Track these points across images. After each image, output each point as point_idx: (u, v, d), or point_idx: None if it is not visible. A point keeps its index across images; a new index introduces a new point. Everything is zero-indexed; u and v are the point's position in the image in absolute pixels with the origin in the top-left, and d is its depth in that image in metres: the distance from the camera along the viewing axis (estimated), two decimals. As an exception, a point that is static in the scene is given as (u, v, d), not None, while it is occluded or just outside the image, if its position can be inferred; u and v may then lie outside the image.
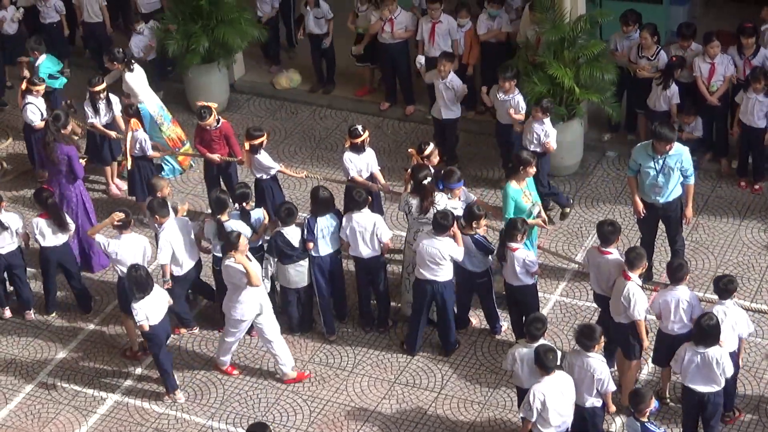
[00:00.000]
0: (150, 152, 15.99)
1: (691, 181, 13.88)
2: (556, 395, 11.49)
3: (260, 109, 18.89)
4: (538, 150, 15.29)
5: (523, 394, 11.87)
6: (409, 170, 14.11)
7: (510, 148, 15.80)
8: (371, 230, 13.70)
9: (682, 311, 12.27)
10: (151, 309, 12.98)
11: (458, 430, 12.97)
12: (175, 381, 13.51)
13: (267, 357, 13.97)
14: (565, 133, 16.26)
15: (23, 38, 18.81)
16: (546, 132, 15.20)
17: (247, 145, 14.98)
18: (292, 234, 13.67)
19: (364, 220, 13.71)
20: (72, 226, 14.58)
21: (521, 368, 12.00)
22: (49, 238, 14.42)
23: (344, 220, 13.79)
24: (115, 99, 16.58)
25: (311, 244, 13.72)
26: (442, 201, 13.71)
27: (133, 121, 15.87)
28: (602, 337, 11.80)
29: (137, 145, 15.82)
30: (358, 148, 14.80)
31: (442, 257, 13.19)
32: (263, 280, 13.45)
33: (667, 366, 12.51)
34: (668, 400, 12.85)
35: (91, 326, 14.72)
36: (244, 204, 14.02)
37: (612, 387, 11.83)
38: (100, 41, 19.13)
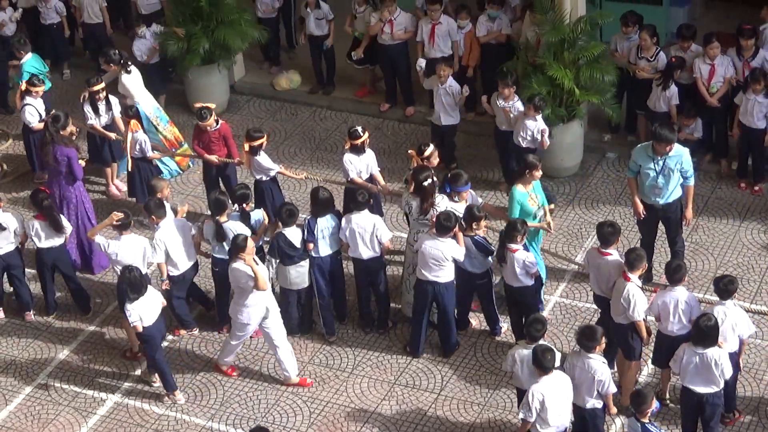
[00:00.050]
0: (150, 153, 15.99)
1: (691, 182, 13.89)
2: (554, 395, 11.49)
3: (260, 110, 18.90)
4: (531, 147, 15.34)
5: (522, 395, 11.87)
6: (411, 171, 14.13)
7: (509, 154, 15.86)
8: (371, 231, 13.70)
9: (681, 312, 12.27)
10: (145, 310, 12.99)
11: (458, 431, 12.96)
12: (174, 381, 13.51)
13: (267, 358, 13.97)
14: (565, 135, 16.29)
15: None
16: (539, 129, 15.22)
17: (246, 147, 14.98)
18: (294, 235, 13.67)
19: (363, 221, 13.71)
20: (68, 229, 14.56)
21: (521, 369, 12.00)
22: (45, 239, 14.42)
23: (343, 221, 13.79)
24: (114, 100, 16.58)
25: (311, 245, 13.73)
26: (442, 203, 13.71)
27: (133, 122, 15.87)
28: (603, 339, 11.80)
29: (137, 147, 15.83)
30: (358, 150, 14.80)
31: (445, 258, 13.20)
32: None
33: (666, 367, 12.51)
34: (668, 401, 12.85)
35: (91, 327, 14.72)
36: (244, 205, 14.03)
37: (613, 388, 11.83)
38: (100, 42, 19.11)
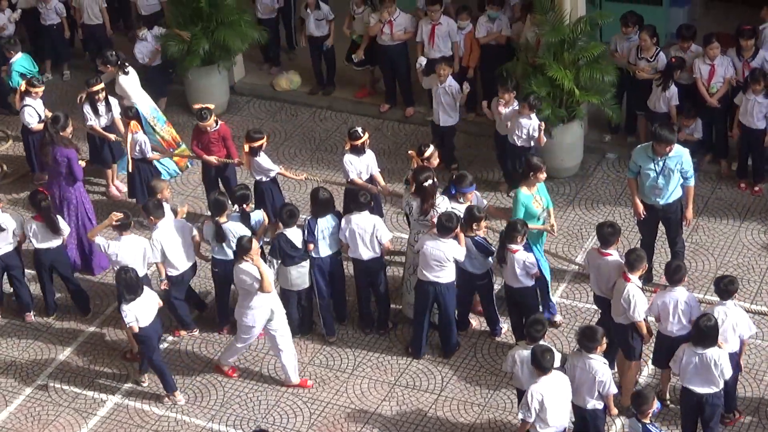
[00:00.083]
0: (150, 154, 15.99)
1: (691, 182, 13.89)
2: (553, 396, 11.49)
3: (260, 111, 18.90)
4: (526, 145, 15.35)
5: (523, 395, 11.86)
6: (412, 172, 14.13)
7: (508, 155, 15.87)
8: (371, 232, 13.70)
9: (681, 312, 12.27)
10: (141, 311, 12.99)
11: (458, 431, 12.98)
12: (174, 382, 13.51)
13: (267, 359, 13.97)
14: (565, 135, 16.29)
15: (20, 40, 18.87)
16: (533, 127, 15.23)
17: (246, 148, 14.97)
18: (295, 235, 13.67)
19: (363, 222, 13.71)
20: (66, 231, 14.54)
21: (521, 370, 11.99)
22: (42, 240, 14.41)
23: (343, 222, 13.78)
24: (114, 101, 16.58)
25: (312, 246, 13.73)
26: (443, 204, 13.70)
27: (133, 123, 15.86)
28: (604, 339, 11.80)
29: (137, 148, 15.82)
30: (358, 150, 14.80)
31: (446, 259, 13.20)
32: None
33: (666, 367, 12.51)
34: (668, 402, 12.85)
35: (91, 328, 14.72)
36: (244, 206, 14.03)
37: (613, 389, 11.83)
38: (100, 43, 19.12)
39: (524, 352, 11.93)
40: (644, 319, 12.44)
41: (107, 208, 16.00)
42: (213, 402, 13.54)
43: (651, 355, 12.96)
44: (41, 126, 16.14)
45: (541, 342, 11.85)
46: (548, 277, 14.02)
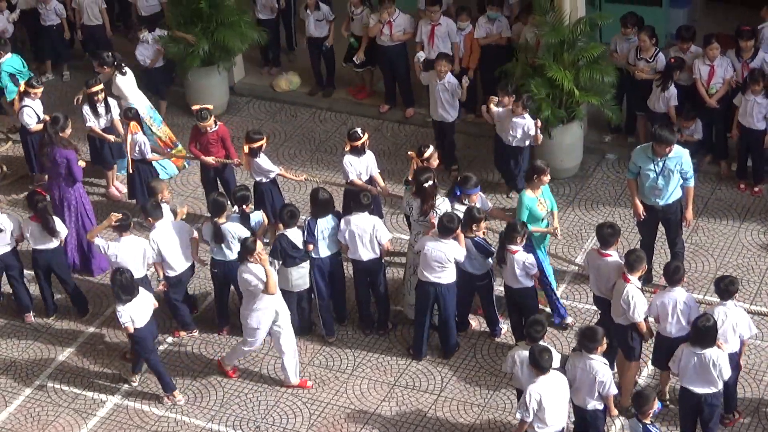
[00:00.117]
0: (149, 155, 15.99)
1: (691, 183, 13.89)
2: (552, 395, 11.49)
3: (260, 111, 18.90)
4: (521, 145, 15.35)
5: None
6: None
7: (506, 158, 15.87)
8: (370, 233, 13.70)
9: (680, 313, 12.27)
10: (136, 312, 13.00)
11: (458, 432, 13.00)
12: (172, 382, 13.51)
13: (267, 359, 13.97)
14: (564, 136, 16.29)
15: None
16: (527, 126, 15.21)
17: (246, 149, 14.97)
18: (296, 236, 13.66)
19: (363, 222, 13.70)
20: (63, 233, 14.50)
21: (521, 370, 11.99)
22: (39, 241, 14.40)
23: (342, 223, 13.77)
24: (113, 102, 16.57)
25: (311, 246, 13.72)
26: (443, 205, 13.70)
27: (133, 124, 15.86)
28: (605, 339, 11.80)
29: (136, 148, 15.82)
30: (358, 151, 14.80)
31: (447, 260, 13.20)
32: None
33: (666, 368, 12.51)
34: (668, 403, 12.85)
35: (91, 329, 14.72)
36: (244, 207, 14.02)
37: (614, 390, 11.83)
38: (100, 44, 19.11)
39: (524, 353, 11.93)
40: (645, 319, 12.44)
41: (107, 209, 15.98)
42: (212, 402, 13.53)
43: (650, 356, 12.95)
44: (40, 126, 16.15)
45: (541, 342, 11.85)
46: (553, 281, 14.01)
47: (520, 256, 13.19)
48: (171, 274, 13.98)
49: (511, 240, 13.18)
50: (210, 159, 15.67)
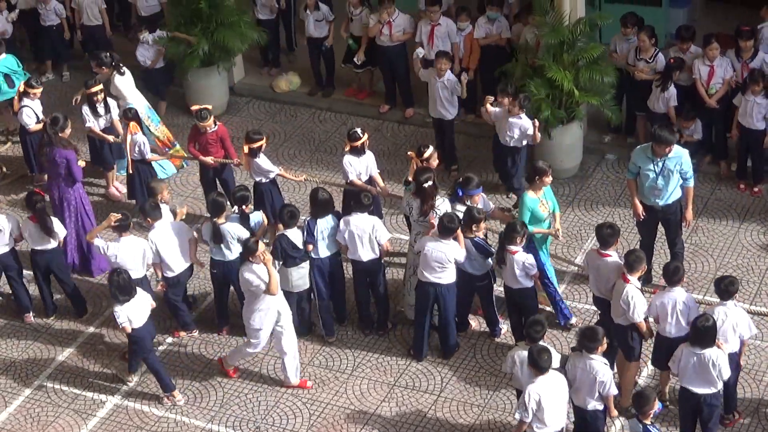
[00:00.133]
0: (149, 156, 15.99)
1: (691, 183, 13.88)
2: (550, 395, 11.50)
3: (260, 112, 18.90)
4: (518, 145, 15.34)
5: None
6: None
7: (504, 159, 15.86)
8: (370, 233, 13.69)
9: (679, 313, 12.27)
10: (134, 312, 13.00)
11: (458, 432, 13.00)
12: (171, 381, 13.51)
13: (267, 360, 13.97)
14: (564, 136, 16.30)
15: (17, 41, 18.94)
16: (523, 126, 15.18)
17: (246, 149, 14.96)
18: (296, 236, 13.66)
19: (362, 223, 13.70)
20: (61, 234, 14.48)
21: (521, 371, 11.99)
22: (37, 241, 14.40)
23: (342, 223, 13.76)
24: (112, 102, 16.57)
25: (311, 246, 13.72)
26: (443, 206, 13.70)
27: (132, 124, 15.85)
28: (605, 339, 11.81)
29: (136, 149, 15.81)
30: (358, 151, 14.80)
31: (448, 260, 13.19)
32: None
33: (666, 368, 12.51)
34: (667, 403, 12.85)
35: (91, 329, 14.72)
36: (243, 207, 14.02)
37: (614, 390, 11.82)
38: (100, 44, 19.11)
39: (524, 353, 11.93)
40: (645, 319, 12.44)
41: (107, 209, 15.99)
42: (212, 403, 13.53)
43: (650, 356, 12.96)
44: (39, 126, 16.15)
45: (541, 342, 11.85)
46: (556, 282, 14.00)
47: (520, 256, 13.19)
48: (169, 274, 13.98)
49: (511, 240, 13.18)
50: (208, 159, 15.67)
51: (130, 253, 13.68)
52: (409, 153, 14.80)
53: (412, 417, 13.18)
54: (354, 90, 18.80)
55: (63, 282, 14.71)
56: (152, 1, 19.40)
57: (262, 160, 15.02)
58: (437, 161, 14.49)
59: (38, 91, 16.51)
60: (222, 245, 13.78)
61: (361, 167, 14.85)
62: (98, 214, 15.80)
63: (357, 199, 13.82)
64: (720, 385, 11.88)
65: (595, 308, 13.52)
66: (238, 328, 14.35)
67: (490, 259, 13.57)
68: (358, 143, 14.73)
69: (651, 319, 12.56)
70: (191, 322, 14.46)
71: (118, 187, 16.92)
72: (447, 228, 13.12)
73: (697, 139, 16.01)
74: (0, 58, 17.41)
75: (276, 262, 13.58)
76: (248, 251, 12.88)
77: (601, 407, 11.92)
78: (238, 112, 18.85)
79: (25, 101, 16.44)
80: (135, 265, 13.67)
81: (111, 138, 16.40)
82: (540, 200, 13.69)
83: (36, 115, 16.45)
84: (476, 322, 14.25)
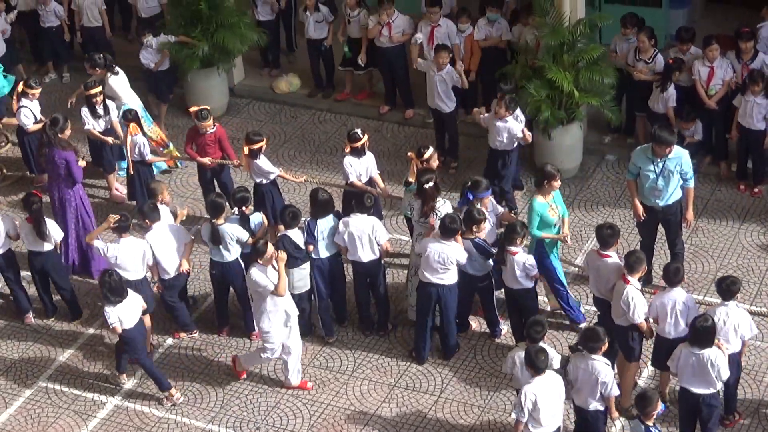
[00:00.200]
0: (149, 157, 15.99)
1: (691, 184, 13.88)
2: (547, 396, 11.50)
3: (260, 113, 18.90)
4: (508, 148, 15.32)
5: (520, 396, 11.89)
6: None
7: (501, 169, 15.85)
8: (369, 234, 13.68)
9: (679, 313, 12.28)
10: (125, 313, 13.01)
11: (458, 433, 13.00)
12: (166, 380, 13.50)
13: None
14: (564, 137, 16.30)
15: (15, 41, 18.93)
16: (511, 128, 15.15)
17: (246, 150, 14.96)
18: (298, 237, 13.66)
19: (361, 224, 13.69)
20: (57, 237, 14.40)
21: (521, 371, 11.99)
22: (32, 242, 14.38)
23: (341, 225, 13.75)
24: (111, 104, 16.56)
25: (311, 247, 13.72)
26: (444, 207, 13.69)
27: (132, 125, 15.84)
28: (607, 338, 11.81)
29: (136, 150, 15.81)
30: (358, 152, 14.80)
31: (450, 261, 13.19)
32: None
33: (666, 369, 12.50)
34: (667, 404, 12.84)
35: (91, 330, 14.71)
36: (243, 208, 14.02)
37: (615, 391, 11.82)
38: (100, 46, 19.10)
39: (524, 354, 11.92)
40: (645, 320, 12.44)
41: (108, 210, 15.99)
42: (212, 404, 13.53)
43: (650, 357, 12.95)
44: (37, 127, 16.15)
45: (541, 343, 11.85)
46: (566, 285, 13.97)
47: (520, 257, 13.19)
48: (165, 276, 13.97)
49: (511, 241, 13.18)
50: (206, 160, 15.66)
51: (130, 254, 13.68)
52: (409, 154, 14.80)
53: (412, 418, 13.18)
54: (347, 93, 18.78)
55: (58, 284, 14.67)
56: (152, 3, 19.41)
57: (263, 162, 15.02)
58: (437, 162, 14.49)
59: (37, 91, 16.52)
60: (221, 246, 13.77)
61: (362, 168, 14.85)
62: (99, 215, 15.80)
63: (359, 200, 13.81)
64: (719, 386, 11.88)
65: (595, 309, 13.51)
66: (238, 329, 14.37)
67: (490, 260, 13.56)
68: (359, 144, 14.73)
69: (651, 320, 12.56)
70: (191, 322, 14.45)
71: (118, 187, 16.91)
72: (449, 229, 13.11)
73: (698, 139, 16.00)
74: None
75: None
76: (257, 253, 12.86)
77: (602, 408, 11.92)
78: (238, 114, 18.85)
79: (24, 101, 16.44)
80: (135, 266, 13.67)
81: (110, 140, 16.40)
82: (549, 205, 13.62)
83: (34, 115, 16.45)
84: (477, 323, 14.25)
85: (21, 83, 16.68)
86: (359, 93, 18.82)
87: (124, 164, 16.35)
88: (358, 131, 14.83)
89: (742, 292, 14.08)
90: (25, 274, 14.87)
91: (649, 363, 13.11)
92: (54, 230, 14.39)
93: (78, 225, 15.20)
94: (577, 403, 11.98)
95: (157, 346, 14.27)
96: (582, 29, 15.81)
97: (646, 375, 13.33)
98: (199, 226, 14.38)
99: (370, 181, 14.98)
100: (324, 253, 13.80)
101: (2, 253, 14.45)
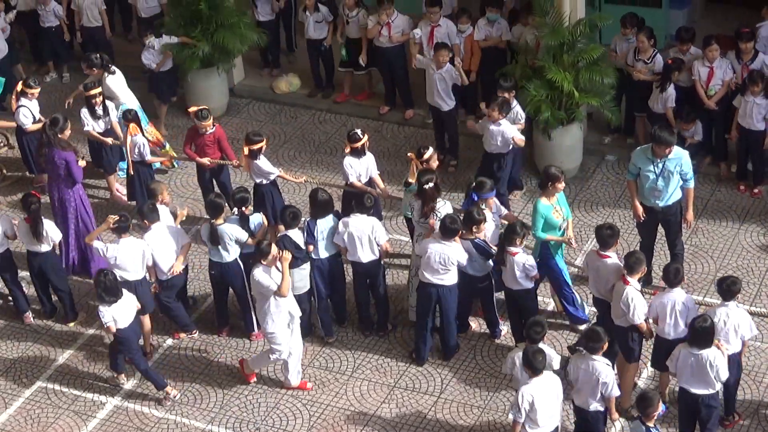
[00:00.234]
0: (148, 157, 15.98)
1: (691, 184, 13.87)
2: (544, 396, 11.51)
3: (260, 113, 18.90)
4: (502, 151, 15.30)
5: (518, 397, 11.89)
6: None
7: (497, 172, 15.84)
8: (369, 234, 13.68)
9: (678, 313, 12.27)
10: (119, 312, 13.02)
11: (458, 434, 12.99)
12: (162, 378, 13.50)
13: (266, 361, 13.98)
14: (564, 137, 16.29)
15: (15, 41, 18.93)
16: (504, 132, 15.14)
17: (246, 150, 14.95)
18: (298, 237, 13.66)
19: (361, 224, 13.69)
20: (55, 238, 14.38)
21: (521, 372, 11.98)
22: (29, 243, 14.38)
23: (341, 225, 13.74)
24: (111, 105, 16.55)
25: (311, 247, 13.72)
26: (444, 208, 13.69)
27: (132, 125, 15.84)
28: (607, 338, 11.81)
29: (136, 150, 15.80)
30: (358, 153, 14.79)
31: (451, 262, 13.18)
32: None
33: (665, 370, 12.50)
34: (667, 404, 12.84)
35: (91, 330, 14.71)
36: (243, 209, 14.01)
37: (616, 392, 11.82)
38: (99, 46, 19.09)
39: (522, 354, 11.92)
40: (644, 320, 12.44)
41: (108, 211, 15.99)
42: (212, 404, 13.53)
43: (650, 358, 12.95)
44: (36, 127, 16.14)
45: (541, 344, 11.85)
46: (572, 285, 13.97)
47: (520, 257, 13.19)
48: (163, 277, 13.97)
49: (511, 241, 13.18)
50: (204, 160, 15.66)
51: (129, 254, 13.67)
52: (408, 154, 14.80)
53: (412, 418, 13.17)
54: (346, 95, 18.77)
55: (55, 285, 14.66)
56: (152, 3, 19.41)
57: (263, 162, 15.01)
58: (437, 162, 14.48)
59: (36, 91, 16.50)
60: (219, 247, 13.77)
61: (362, 169, 14.84)
62: (98, 215, 15.79)
63: (358, 200, 13.81)
64: (718, 386, 11.88)
65: (595, 309, 13.51)
66: (238, 330, 14.37)
67: (490, 261, 13.56)
68: (358, 145, 14.73)
69: (650, 321, 12.56)
70: (190, 323, 14.45)
71: (120, 189, 16.90)
72: (450, 229, 13.10)
73: (698, 140, 16.00)
74: None
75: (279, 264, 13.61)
76: (261, 254, 12.86)
77: (602, 408, 11.92)
78: (238, 114, 18.84)
79: (23, 101, 16.44)
80: (134, 267, 13.67)
81: (109, 140, 16.39)
82: (553, 207, 13.58)
83: (33, 115, 16.44)
84: (476, 324, 14.25)
85: (20, 83, 16.67)
86: (359, 93, 18.82)
87: (124, 165, 16.34)
88: (358, 132, 14.82)
89: (742, 293, 14.08)
90: (24, 274, 14.88)
91: (649, 364, 13.10)
92: (52, 231, 14.37)
93: (78, 225, 15.19)
94: (578, 403, 11.98)
95: (157, 346, 14.28)
96: (582, 29, 15.80)
97: (645, 376, 13.33)
98: (199, 227, 14.37)
99: (370, 182, 14.98)
100: (324, 253, 13.80)
101: (0, 253, 14.44)
